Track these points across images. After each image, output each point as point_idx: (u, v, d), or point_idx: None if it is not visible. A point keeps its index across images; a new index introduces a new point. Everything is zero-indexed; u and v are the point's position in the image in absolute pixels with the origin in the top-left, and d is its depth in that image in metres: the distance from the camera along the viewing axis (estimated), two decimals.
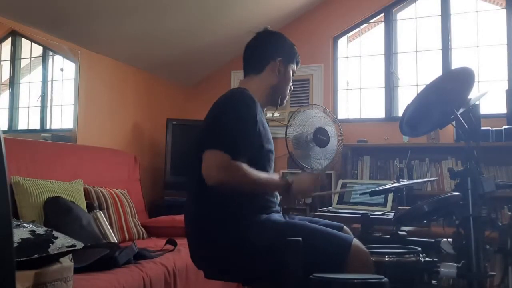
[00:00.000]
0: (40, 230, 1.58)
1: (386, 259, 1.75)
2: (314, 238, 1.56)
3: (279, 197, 1.82)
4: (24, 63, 3.23)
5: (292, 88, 1.93)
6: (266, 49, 1.85)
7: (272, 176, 1.70)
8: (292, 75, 1.90)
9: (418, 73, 4.05)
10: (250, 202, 1.65)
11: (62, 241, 1.56)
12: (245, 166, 1.55)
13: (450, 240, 1.81)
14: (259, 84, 1.82)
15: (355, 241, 1.59)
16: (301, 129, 3.54)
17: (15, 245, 1.40)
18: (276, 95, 1.86)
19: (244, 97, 1.67)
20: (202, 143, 1.58)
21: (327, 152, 3.56)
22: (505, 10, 3.80)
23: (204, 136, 1.62)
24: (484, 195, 1.74)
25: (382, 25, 4.18)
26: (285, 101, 1.92)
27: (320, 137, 3.48)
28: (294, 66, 1.90)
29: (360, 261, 1.55)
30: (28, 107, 3.23)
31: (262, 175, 1.63)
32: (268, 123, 1.82)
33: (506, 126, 3.40)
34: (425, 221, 2.14)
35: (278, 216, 1.73)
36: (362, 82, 4.25)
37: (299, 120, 3.59)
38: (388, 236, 2.26)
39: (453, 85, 1.79)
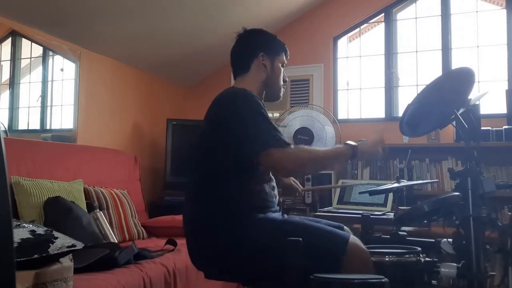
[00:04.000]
0: (40, 230, 1.58)
1: (386, 259, 1.75)
2: (311, 236, 1.55)
3: (277, 197, 1.82)
4: (24, 63, 3.23)
5: (287, 80, 1.91)
6: (247, 47, 1.85)
7: (335, 147, 1.78)
8: (283, 67, 1.88)
9: (418, 73, 4.05)
10: (249, 202, 1.65)
11: (62, 241, 1.56)
12: (304, 147, 1.68)
13: (450, 240, 1.80)
14: (249, 83, 1.81)
15: (353, 238, 1.59)
16: (282, 130, 3.56)
17: (15, 245, 1.39)
18: (268, 90, 1.86)
19: (249, 94, 1.68)
20: (246, 150, 1.59)
21: None
22: (505, 10, 3.80)
23: (242, 143, 1.60)
24: (484, 195, 1.74)
25: (382, 25, 4.18)
26: (281, 94, 1.90)
27: (301, 137, 3.48)
28: (282, 58, 1.88)
29: (358, 259, 1.55)
30: (28, 107, 3.23)
31: (325, 149, 1.74)
32: None
33: (506, 126, 3.40)
34: (425, 221, 2.13)
35: (275, 215, 1.73)
36: (362, 82, 4.25)
37: (285, 121, 3.61)
38: (388, 236, 2.25)
39: (453, 85, 1.79)
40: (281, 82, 1.88)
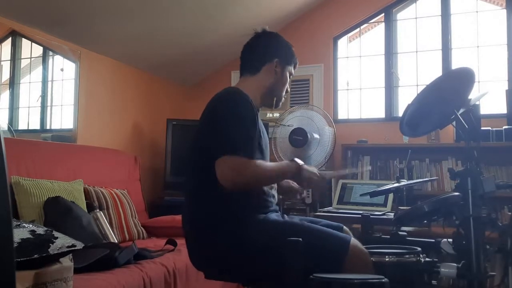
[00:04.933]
0: (40, 230, 1.58)
1: (386, 259, 1.75)
2: (312, 238, 1.55)
3: (276, 196, 1.82)
4: (24, 63, 3.23)
5: (289, 90, 1.92)
6: (264, 49, 1.84)
7: (281, 163, 1.73)
8: (289, 77, 1.89)
9: (418, 73, 4.05)
10: (248, 202, 1.65)
11: (62, 241, 1.56)
12: (255, 162, 1.56)
13: (450, 240, 1.80)
14: (254, 85, 1.81)
15: (353, 240, 1.59)
16: (279, 130, 3.57)
17: (15, 245, 1.40)
18: (271, 96, 1.85)
19: (241, 97, 1.67)
20: (210, 150, 1.56)
21: (309, 151, 3.55)
22: (505, 10, 3.80)
23: (209, 142, 1.60)
24: (484, 195, 1.74)
25: (382, 25, 4.18)
26: (280, 103, 1.91)
27: (296, 137, 3.48)
28: (291, 68, 1.89)
29: (359, 260, 1.55)
30: (28, 107, 3.23)
31: (272, 165, 1.65)
32: (268, 124, 1.82)
33: (506, 126, 3.40)
34: (425, 221, 2.13)
35: (276, 216, 1.73)
36: (362, 82, 4.25)
37: (284, 121, 3.62)
38: (388, 237, 2.25)
39: (453, 85, 1.79)
40: (284, 92, 1.89)
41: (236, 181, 1.52)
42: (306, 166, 1.71)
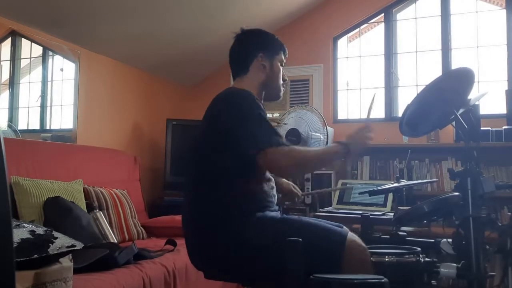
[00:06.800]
0: (40, 230, 1.58)
1: (386, 259, 1.75)
2: (310, 233, 1.56)
3: (276, 197, 1.82)
4: (24, 63, 3.23)
5: (286, 79, 1.91)
6: (246, 48, 1.84)
7: (326, 146, 1.75)
8: (282, 66, 1.88)
9: (418, 73, 4.05)
10: (248, 202, 1.65)
11: (62, 241, 1.56)
12: (298, 147, 1.64)
13: (450, 240, 1.81)
14: (249, 83, 1.81)
15: (351, 235, 1.59)
16: (282, 127, 3.59)
17: (15, 245, 1.40)
18: (268, 90, 1.86)
19: (248, 94, 1.68)
20: (243, 150, 1.58)
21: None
22: (505, 10, 3.80)
23: (239, 143, 1.60)
24: (484, 196, 1.74)
25: (382, 25, 4.18)
26: (281, 93, 1.91)
27: (291, 138, 3.50)
28: (280, 57, 1.87)
29: (356, 255, 1.55)
30: (28, 107, 3.23)
31: (318, 149, 1.73)
32: None
33: (506, 127, 3.40)
34: (425, 221, 2.14)
35: (274, 214, 1.72)
36: (362, 82, 4.25)
37: (284, 121, 3.63)
38: (388, 237, 2.25)
39: (453, 85, 1.79)
40: (281, 82, 1.88)
41: (289, 169, 1.60)
42: (352, 141, 1.72)
